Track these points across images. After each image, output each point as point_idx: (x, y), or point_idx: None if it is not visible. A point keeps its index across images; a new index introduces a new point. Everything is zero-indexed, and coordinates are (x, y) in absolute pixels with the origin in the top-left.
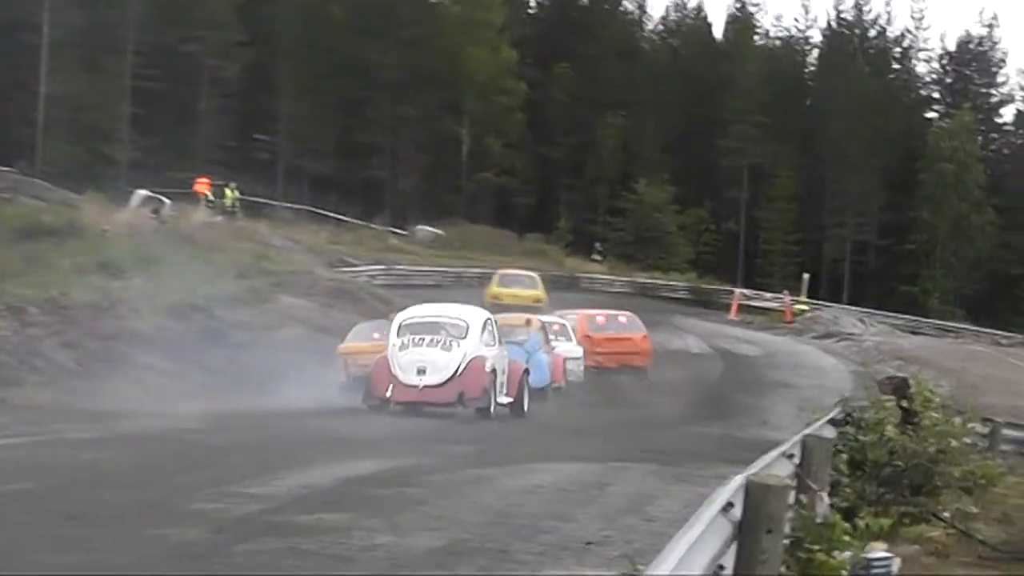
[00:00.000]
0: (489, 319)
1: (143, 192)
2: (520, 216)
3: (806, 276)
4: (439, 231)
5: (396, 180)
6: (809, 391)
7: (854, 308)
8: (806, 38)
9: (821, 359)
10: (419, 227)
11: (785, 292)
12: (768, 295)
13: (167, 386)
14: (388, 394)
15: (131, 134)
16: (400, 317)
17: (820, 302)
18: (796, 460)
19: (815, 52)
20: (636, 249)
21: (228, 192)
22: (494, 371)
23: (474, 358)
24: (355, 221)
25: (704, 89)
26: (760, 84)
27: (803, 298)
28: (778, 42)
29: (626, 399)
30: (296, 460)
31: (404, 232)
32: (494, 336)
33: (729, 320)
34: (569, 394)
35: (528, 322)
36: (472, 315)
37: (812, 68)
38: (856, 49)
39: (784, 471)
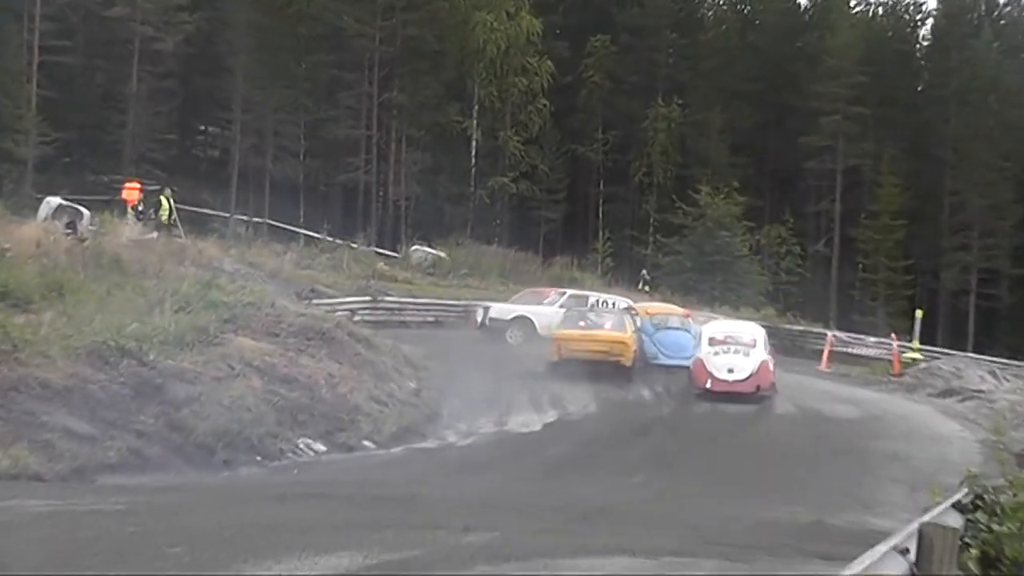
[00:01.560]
0: (764, 333)
1: (55, 200)
2: (545, 234)
3: (919, 315)
4: (440, 253)
5: (384, 187)
6: (925, 465)
7: (982, 357)
8: (917, 4)
9: (940, 423)
10: (414, 247)
11: (892, 335)
12: (870, 339)
13: (85, 454)
14: (708, 385)
15: (38, 125)
16: (707, 333)
17: (937, 349)
18: (911, 556)
19: (928, 22)
20: (696, 278)
21: (165, 201)
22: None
23: (763, 361)
24: (331, 239)
25: (784, 71)
26: (857, 64)
27: (915, 343)
28: (880, 9)
29: (688, 460)
30: (254, 551)
31: (395, 254)
32: (767, 345)
33: (820, 371)
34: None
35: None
36: (756, 331)
37: (925, 43)
38: (981, 18)
39: (896, 571)
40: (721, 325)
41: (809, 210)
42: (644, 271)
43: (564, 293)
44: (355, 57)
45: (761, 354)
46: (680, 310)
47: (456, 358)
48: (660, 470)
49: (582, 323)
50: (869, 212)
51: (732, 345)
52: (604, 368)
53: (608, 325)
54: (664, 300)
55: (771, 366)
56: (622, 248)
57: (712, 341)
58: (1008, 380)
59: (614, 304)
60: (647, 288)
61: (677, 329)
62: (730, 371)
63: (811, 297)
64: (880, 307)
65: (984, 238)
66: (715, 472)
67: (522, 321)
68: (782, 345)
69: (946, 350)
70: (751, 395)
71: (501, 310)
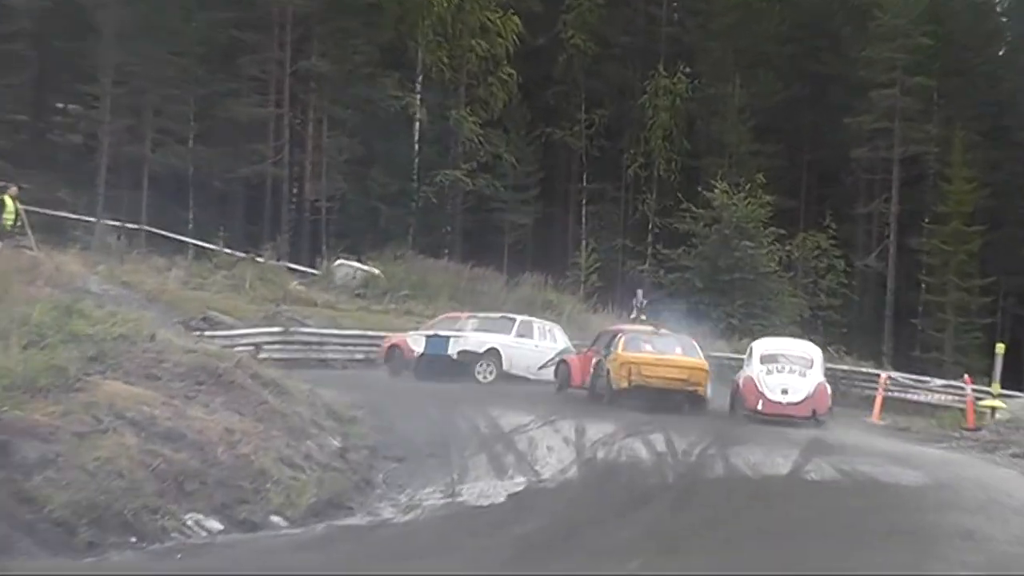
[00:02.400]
0: (822, 354)
1: None
2: (511, 244)
3: (1001, 349)
4: (373, 269)
5: (300, 182)
6: (1009, 546)
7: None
8: None
9: None
10: (339, 262)
11: (965, 377)
12: (936, 382)
13: None
14: (759, 407)
15: None
16: (758, 349)
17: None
18: None
19: None
20: (709, 301)
21: (9, 202)
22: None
23: (820, 383)
24: (230, 251)
25: (824, 30)
26: (919, 22)
27: (996, 387)
28: None
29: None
30: None
31: (313, 271)
32: (824, 366)
33: (871, 424)
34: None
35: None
36: (814, 351)
37: None
38: None
39: None
40: (774, 341)
41: (857, 212)
42: (639, 293)
43: (474, 317)
44: (261, 13)
45: (818, 376)
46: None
47: (394, 406)
48: (661, 557)
49: (648, 346)
50: (935, 215)
51: (787, 364)
52: (588, 417)
53: (679, 349)
54: (666, 329)
55: (829, 390)
56: (612, 263)
57: (764, 358)
58: None
59: (547, 330)
60: (642, 316)
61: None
62: (784, 392)
63: (859, 326)
64: (949, 340)
65: None
66: (733, 560)
67: (493, 355)
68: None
69: None
70: (805, 420)
71: (473, 341)
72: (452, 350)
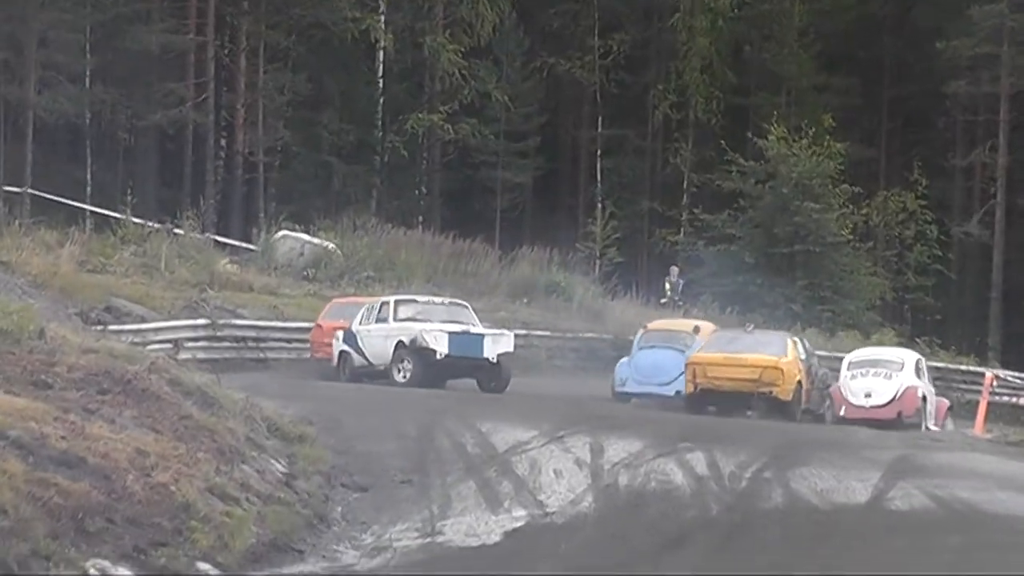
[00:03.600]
0: (920, 359)
1: None
2: (506, 210)
3: None
4: (325, 243)
5: (230, 132)
6: None
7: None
8: None
9: None
10: (281, 234)
11: None
12: (702, 324)
13: None
14: (842, 412)
15: None
16: (848, 357)
17: None
18: None
19: None
20: (763, 282)
21: None
22: (924, 398)
23: (909, 387)
24: (141, 221)
25: None
26: None
27: None
28: None
29: None
30: None
31: (249, 245)
32: (923, 372)
33: (973, 437)
34: None
35: (696, 329)
36: (907, 355)
37: None
38: None
39: None
40: (865, 350)
41: (954, 165)
42: (674, 271)
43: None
44: None
45: (910, 378)
46: (692, 323)
47: (354, 420)
48: None
49: (730, 345)
50: None
51: (872, 368)
52: (606, 431)
53: (764, 348)
54: (708, 319)
55: (921, 393)
56: (636, 233)
57: (851, 365)
58: None
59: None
60: (679, 300)
61: (662, 347)
62: (867, 395)
63: (958, 312)
64: None
65: None
66: None
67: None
68: None
69: None
70: (891, 422)
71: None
72: (490, 352)
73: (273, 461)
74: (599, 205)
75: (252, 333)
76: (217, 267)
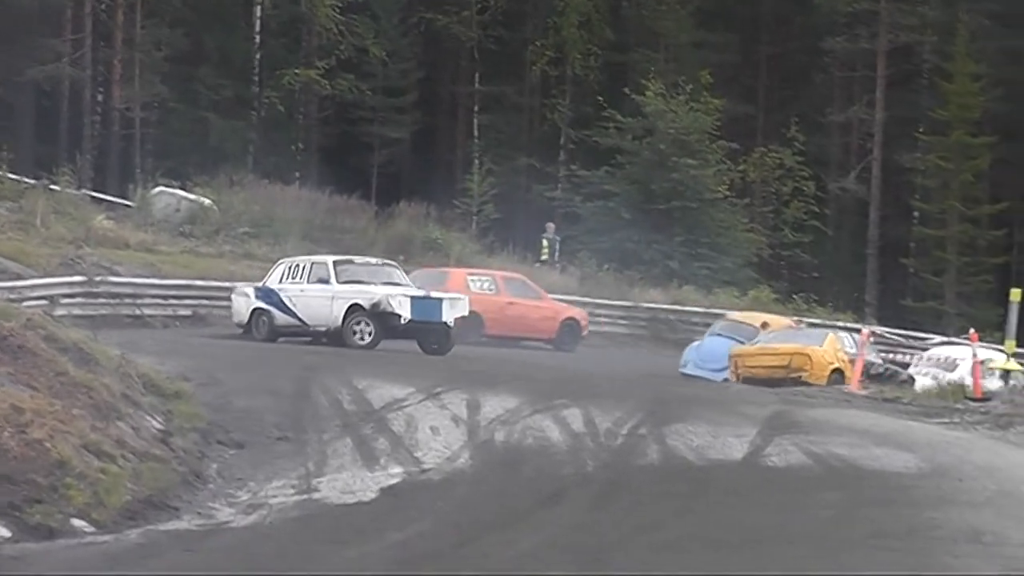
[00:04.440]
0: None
1: None
2: (383, 165)
3: (1016, 296)
4: (202, 199)
5: (106, 87)
6: None
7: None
8: None
9: None
10: (158, 190)
11: (971, 333)
12: (933, 339)
13: None
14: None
15: None
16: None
17: None
18: None
19: None
20: (639, 239)
21: None
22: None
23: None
24: (16, 178)
25: None
26: None
27: (1010, 346)
28: None
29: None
30: None
31: (125, 201)
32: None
33: (849, 393)
34: None
35: (764, 325)
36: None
37: None
38: None
39: None
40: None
41: (831, 121)
42: (550, 228)
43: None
44: None
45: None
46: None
47: (231, 377)
48: (579, 569)
49: (774, 339)
50: (931, 123)
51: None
52: (483, 388)
53: (801, 340)
54: (586, 276)
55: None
56: (513, 189)
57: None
58: None
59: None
60: (555, 259)
61: (725, 337)
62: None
63: (834, 269)
64: (950, 285)
65: None
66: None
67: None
68: None
69: None
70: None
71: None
72: (448, 316)
73: (149, 418)
74: (476, 161)
75: (128, 290)
76: (94, 223)
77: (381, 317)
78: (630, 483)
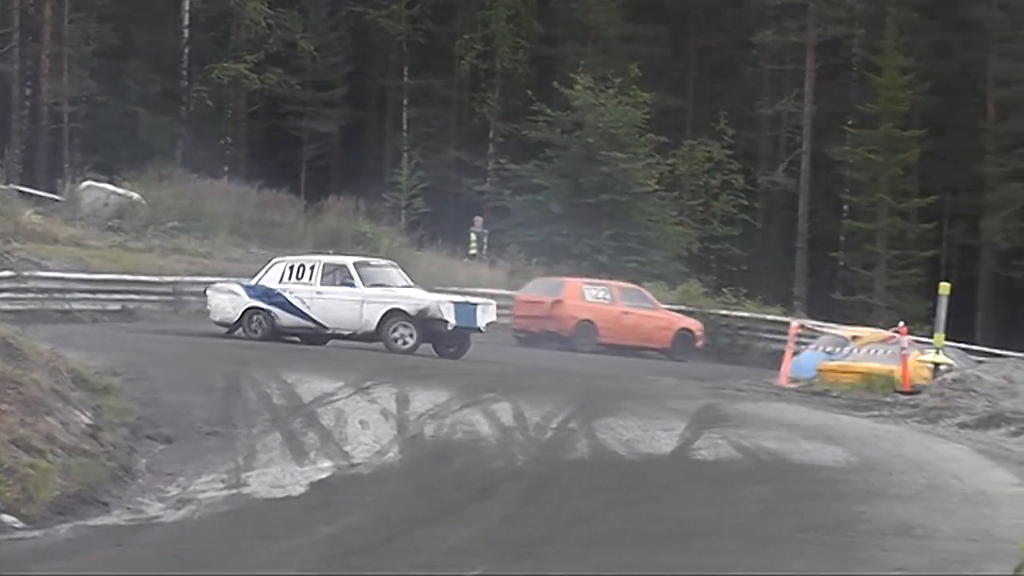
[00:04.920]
0: None
1: None
2: (312, 160)
3: (945, 291)
4: (131, 193)
5: (34, 81)
6: (955, 544)
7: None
8: None
9: (981, 473)
10: (87, 184)
11: (900, 326)
12: (862, 332)
13: None
14: None
15: None
16: None
17: (978, 348)
18: None
19: None
20: (569, 232)
21: None
22: None
23: None
24: None
25: None
26: None
27: (940, 339)
28: None
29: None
30: None
31: (53, 196)
32: None
33: (779, 387)
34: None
35: (855, 338)
36: None
37: None
38: None
39: None
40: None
41: (760, 114)
42: (478, 221)
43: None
44: None
45: None
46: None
47: (161, 372)
48: (507, 565)
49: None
50: (860, 117)
51: None
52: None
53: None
54: (516, 270)
55: None
56: (443, 182)
57: None
58: None
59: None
60: (483, 253)
61: (820, 352)
62: None
63: (764, 262)
64: (880, 278)
65: None
66: (601, 568)
67: None
68: (716, 343)
69: (992, 349)
70: None
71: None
72: (481, 322)
73: (78, 413)
74: (405, 155)
75: (58, 285)
76: (22, 218)
77: (427, 323)
78: (560, 477)
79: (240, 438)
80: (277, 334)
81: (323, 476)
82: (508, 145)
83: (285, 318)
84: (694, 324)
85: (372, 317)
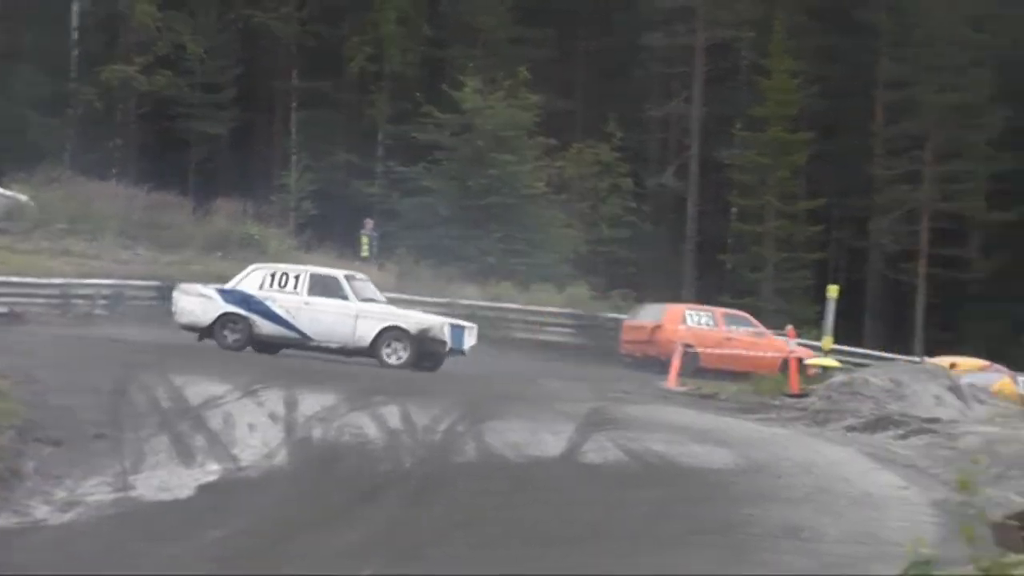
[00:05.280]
0: None
1: None
2: (201, 162)
3: (833, 293)
4: (18, 195)
5: None
6: (842, 547)
7: (938, 360)
8: None
9: (867, 475)
10: None
11: (788, 329)
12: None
13: None
14: None
15: None
16: None
17: (865, 351)
18: None
19: None
20: (457, 235)
21: None
22: None
23: None
24: None
25: None
26: None
27: (827, 342)
28: None
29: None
30: None
31: None
32: None
33: (666, 390)
34: None
35: (953, 366)
36: None
37: None
38: None
39: None
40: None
41: (649, 116)
42: (368, 223)
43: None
44: None
45: None
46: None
47: (49, 374)
48: (397, 565)
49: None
50: (748, 119)
51: None
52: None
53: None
54: (404, 273)
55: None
56: (332, 185)
57: None
58: (982, 402)
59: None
60: (373, 254)
61: None
62: None
63: (652, 265)
64: (768, 281)
65: (944, 162)
66: (488, 569)
67: None
68: (600, 346)
69: (879, 352)
70: None
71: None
72: (467, 344)
73: None
74: (294, 157)
75: None
76: None
77: (426, 343)
78: (448, 480)
79: (128, 441)
80: (253, 343)
81: (211, 479)
82: (397, 147)
83: (266, 327)
84: (805, 353)
85: (367, 332)
